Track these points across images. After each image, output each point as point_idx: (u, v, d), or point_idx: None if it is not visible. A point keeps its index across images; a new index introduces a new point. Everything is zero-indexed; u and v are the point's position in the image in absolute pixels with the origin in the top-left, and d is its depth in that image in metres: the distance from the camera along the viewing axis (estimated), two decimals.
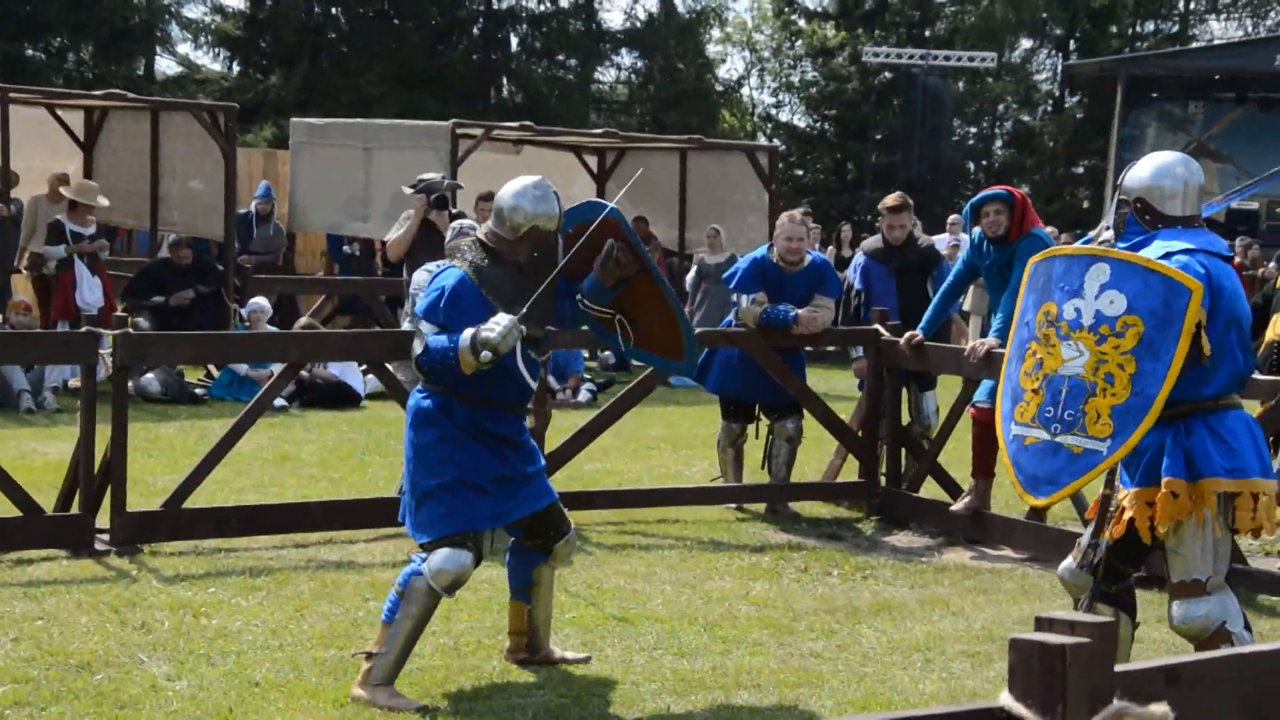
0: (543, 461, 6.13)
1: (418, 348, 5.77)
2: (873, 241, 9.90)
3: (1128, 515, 5.10)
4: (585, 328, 6.43)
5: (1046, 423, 4.97)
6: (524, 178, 5.99)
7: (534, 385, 5.93)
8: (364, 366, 13.61)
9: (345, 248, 17.91)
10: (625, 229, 6.06)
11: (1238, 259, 20.10)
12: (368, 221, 16.38)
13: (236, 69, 36.61)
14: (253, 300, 14.15)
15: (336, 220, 16.82)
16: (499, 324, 5.61)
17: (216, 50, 36.45)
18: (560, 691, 5.86)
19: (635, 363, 17.24)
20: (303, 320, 14.04)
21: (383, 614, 5.82)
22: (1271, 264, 19.13)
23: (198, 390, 13.46)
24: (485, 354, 5.58)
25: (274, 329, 13.74)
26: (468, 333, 5.64)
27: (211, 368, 13.94)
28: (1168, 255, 5.02)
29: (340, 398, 13.22)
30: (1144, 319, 4.83)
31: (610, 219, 5.98)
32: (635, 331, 6.16)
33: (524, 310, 5.68)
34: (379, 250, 17.03)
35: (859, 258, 9.95)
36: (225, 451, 8.27)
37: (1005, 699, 2.25)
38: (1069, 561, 5.44)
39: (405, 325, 9.20)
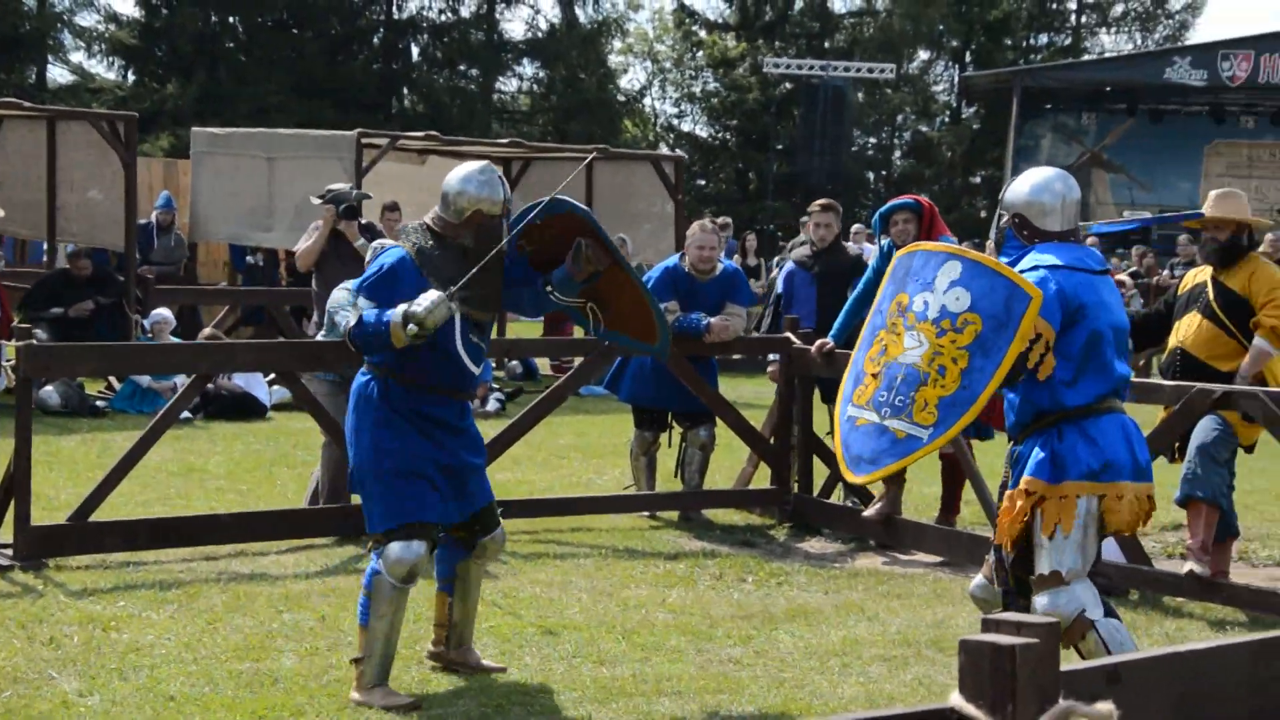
0: (484, 452, 6.17)
1: (350, 320, 5.82)
2: (800, 249, 9.98)
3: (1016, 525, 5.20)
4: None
5: (878, 406, 5.08)
6: (471, 163, 6.05)
7: (476, 370, 5.95)
8: (270, 377, 13.47)
9: (248, 258, 17.71)
10: (595, 226, 6.10)
11: (1134, 266, 20.47)
12: (271, 231, 16.20)
13: (132, 78, 36.09)
14: (155, 311, 13.94)
15: (239, 230, 16.62)
16: (427, 298, 5.64)
17: (111, 59, 35.93)
18: (481, 701, 5.83)
19: (544, 373, 17.28)
20: (206, 331, 13.86)
21: (358, 618, 5.84)
22: (1165, 272, 19.48)
23: (99, 403, 13.23)
24: (411, 327, 5.61)
25: (177, 340, 13.55)
26: (400, 307, 5.67)
27: (113, 380, 13.71)
28: (1034, 268, 5.14)
29: (245, 409, 13.05)
30: (983, 318, 4.98)
31: (578, 215, 6.06)
32: (606, 316, 6.24)
33: (454, 289, 5.68)
34: (283, 260, 16.88)
35: (787, 264, 10.03)
36: (133, 464, 8.13)
37: (955, 699, 2.26)
38: (978, 578, 5.51)
39: (319, 336, 9.13)
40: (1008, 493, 5.29)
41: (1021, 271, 5.16)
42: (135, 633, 6.52)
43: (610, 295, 6.21)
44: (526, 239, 6.05)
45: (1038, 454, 5.16)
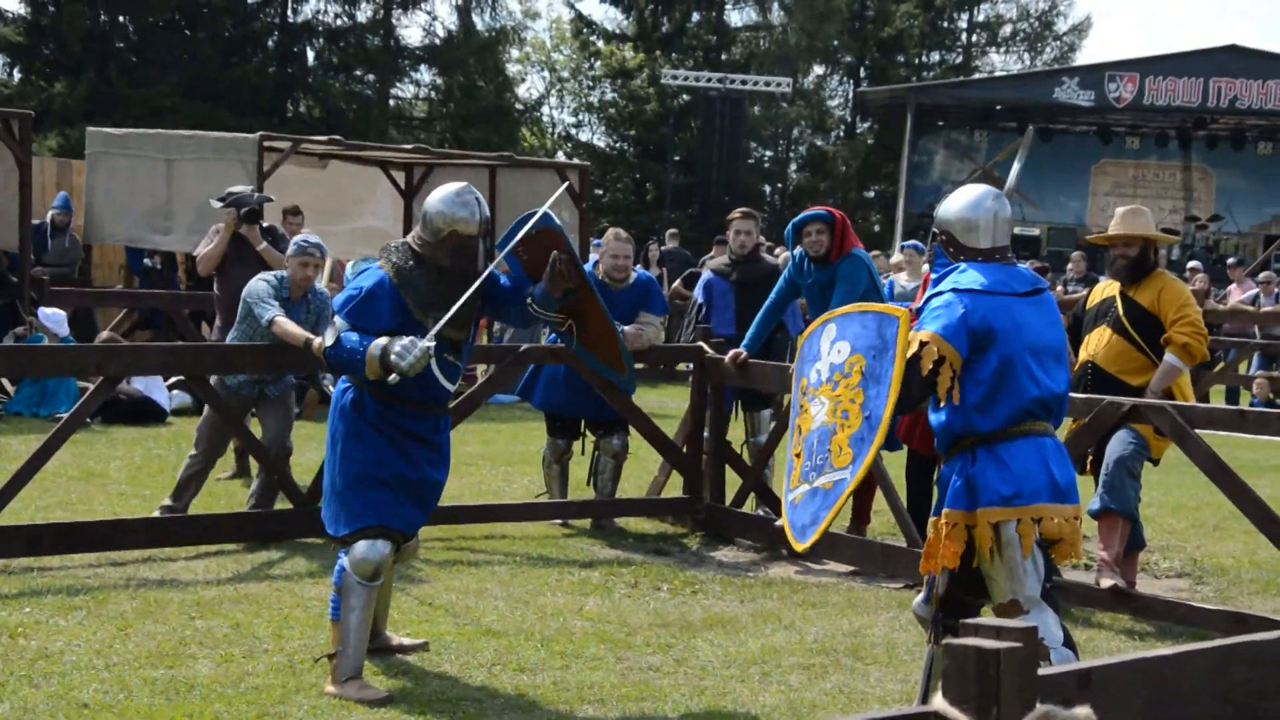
0: (448, 464, 6.30)
1: (329, 339, 5.88)
2: (719, 259, 10.02)
3: (954, 547, 5.19)
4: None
5: (805, 475, 5.18)
6: (451, 184, 6.12)
7: (452, 388, 6.07)
8: (169, 381, 13.26)
9: (146, 260, 17.39)
10: (566, 243, 6.20)
11: None
12: (169, 234, 15.91)
13: (18, 76, 35.36)
14: (49, 312, 13.64)
15: (136, 232, 16.30)
16: (410, 352, 5.74)
17: None
18: (402, 709, 5.77)
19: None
20: (104, 334, 13.59)
21: (329, 613, 6.01)
22: (1060, 288, 19.80)
23: None
24: (393, 376, 5.75)
25: (73, 342, 13.28)
26: (379, 342, 5.79)
27: (5, 382, 13.41)
28: (937, 294, 5.17)
29: (145, 413, 12.83)
30: (864, 354, 5.11)
31: (552, 230, 6.14)
32: (582, 335, 6.44)
33: (432, 335, 5.80)
34: (182, 264, 16.61)
35: (705, 273, 10.06)
36: (37, 468, 7.96)
37: (940, 704, 2.28)
38: (919, 597, 5.48)
39: (231, 335, 9.01)
40: (931, 521, 5.31)
41: (936, 294, 5.18)
42: (44, 639, 6.37)
43: (585, 315, 6.39)
44: (521, 247, 6.15)
45: (955, 481, 5.17)
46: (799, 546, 5.21)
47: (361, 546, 5.91)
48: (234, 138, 15.96)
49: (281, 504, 8.85)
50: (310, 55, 38.61)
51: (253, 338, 8.58)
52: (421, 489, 6.08)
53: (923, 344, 5.05)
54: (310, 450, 10.95)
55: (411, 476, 6.00)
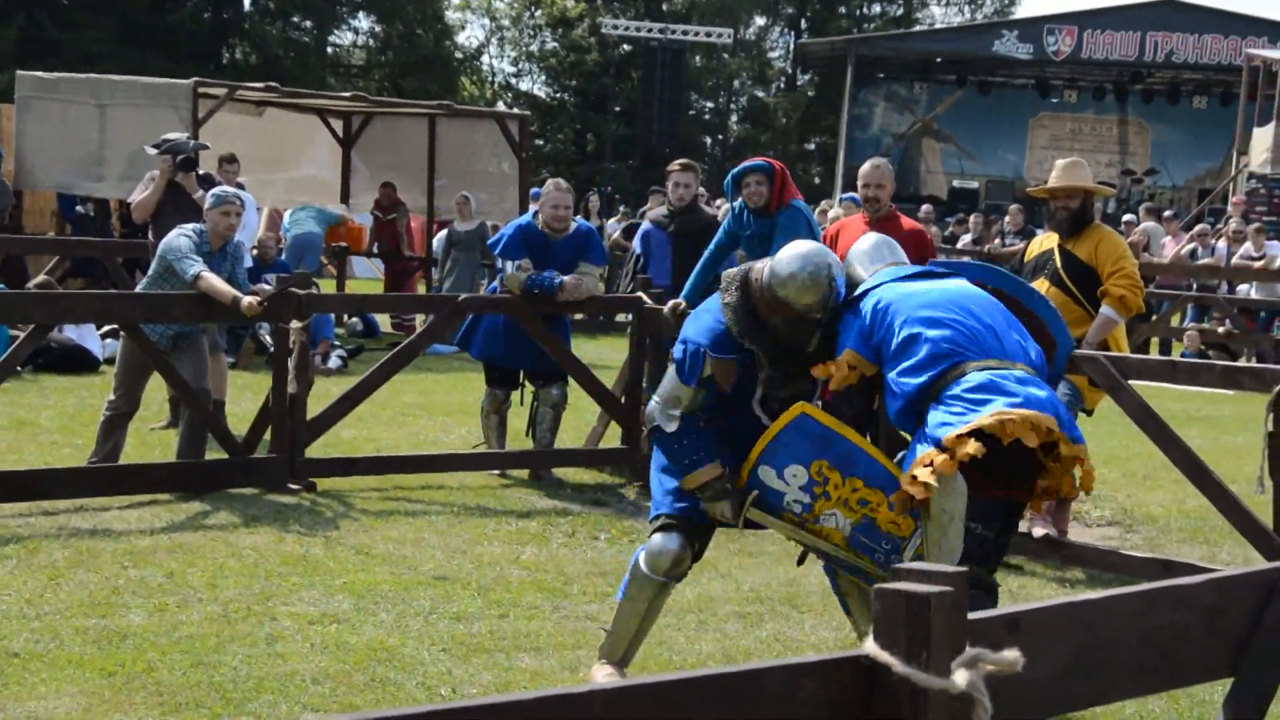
0: None
1: (668, 426, 5.35)
2: (657, 210, 10.01)
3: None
4: None
5: (885, 565, 5.09)
6: (803, 250, 5.29)
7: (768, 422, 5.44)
8: (104, 330, 13.12)
9: (78, 208, 17.17)
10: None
11: (970, 234, 20.88)
12: (102, 181, 15.72)
13: None
14: None
15: (68, 179, 16.09)
16: (720, 499, 5.27)
17: None
18: (338, 657, 5.76)
19: (385, 330, 17.10)
20: (38, 279, 13.41)
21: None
22: (997, 241, 19.90)
23: None
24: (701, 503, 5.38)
25: (4, 289, 13.10)
26: (701, 474, 5.28)
27: None
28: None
29: (77, 362, 12.69)
30: (817, 458, 5.08)
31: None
32: None
33: (746, 503, 5.30)
34: (116, 211, 16.41)
35: (644, 224, 10.05)
36: None
37: (870, 647, 2.29)
38: None
39: (141, 284, 8.88)
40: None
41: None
42: None
43: None
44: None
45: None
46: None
47: (657, 539, 5.48)
48: (168, 83, 15.75)
49: (217, 453, 8.78)
50: (246, 1, 38.13)
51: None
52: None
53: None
54: (247, 400, 10.89)
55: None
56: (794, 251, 5.27)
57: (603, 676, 5.63)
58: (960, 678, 2.27)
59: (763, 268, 5.30)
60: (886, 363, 5.12)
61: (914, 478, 4.82)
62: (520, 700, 1.87)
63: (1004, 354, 5.02)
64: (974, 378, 4.90)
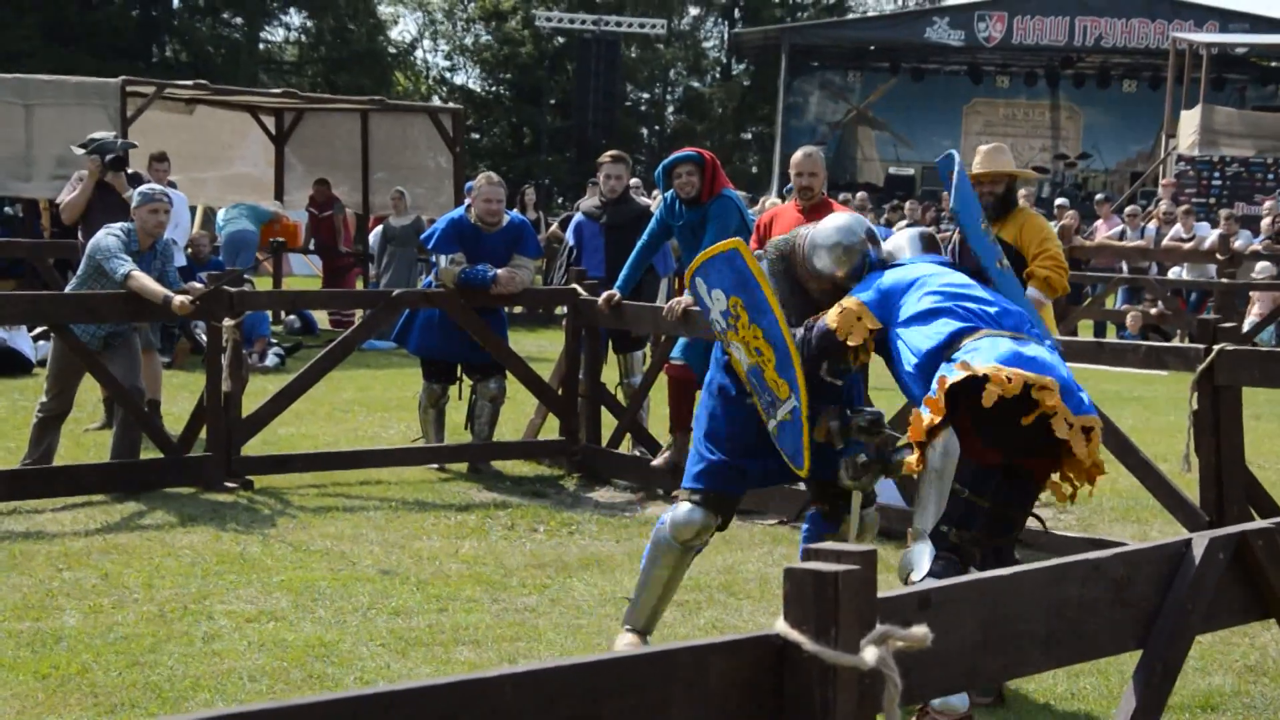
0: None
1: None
2: (589, 201, 10.03)
3: None
4: None
5: (768, 410, 5.40)
6: (843, 222, 5.56)
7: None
8: (35, 331, 13.02)
9: (6, 209, 17.02)
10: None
11: (906, 220, 21.02)
12: (30, 181, 15.58)
13: None
14: None
15: None
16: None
17: None
18: (276, 654, 5.76)
19: (323, 327, 17.04)
20: None
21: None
22: (931, 227, 20.03)
23: None
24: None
25: None
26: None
27: None
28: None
29: (9, 364, 12.59)
30: (735, 293, 5.32)
31: None
32: None
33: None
34: (45, 211, 16.27)
35: (576, 216, 10.08)
36: None
37: (781, 625, 2.34)
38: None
39: (70, 285, 8.83)
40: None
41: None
42: None
43: None
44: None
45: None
46: (801, 473, 5.44)
47: (683, 509, 5.71)
48: (96, 82, 15.64)
49: (153, 453, 8.75)
50: None
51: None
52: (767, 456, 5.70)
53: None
54: (183, 399, 10.84)
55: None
56: (832, 224, 5.54)
57: (624, 644, 5.74)
58: (869, 654, 2.33)
59: (807, 234, 5.56)
60: (900, 324, 5.20)
61: (918, 414, 4.96)
62: (434, 685, 1.91)
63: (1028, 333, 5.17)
64: (989, 342, 5.00)
